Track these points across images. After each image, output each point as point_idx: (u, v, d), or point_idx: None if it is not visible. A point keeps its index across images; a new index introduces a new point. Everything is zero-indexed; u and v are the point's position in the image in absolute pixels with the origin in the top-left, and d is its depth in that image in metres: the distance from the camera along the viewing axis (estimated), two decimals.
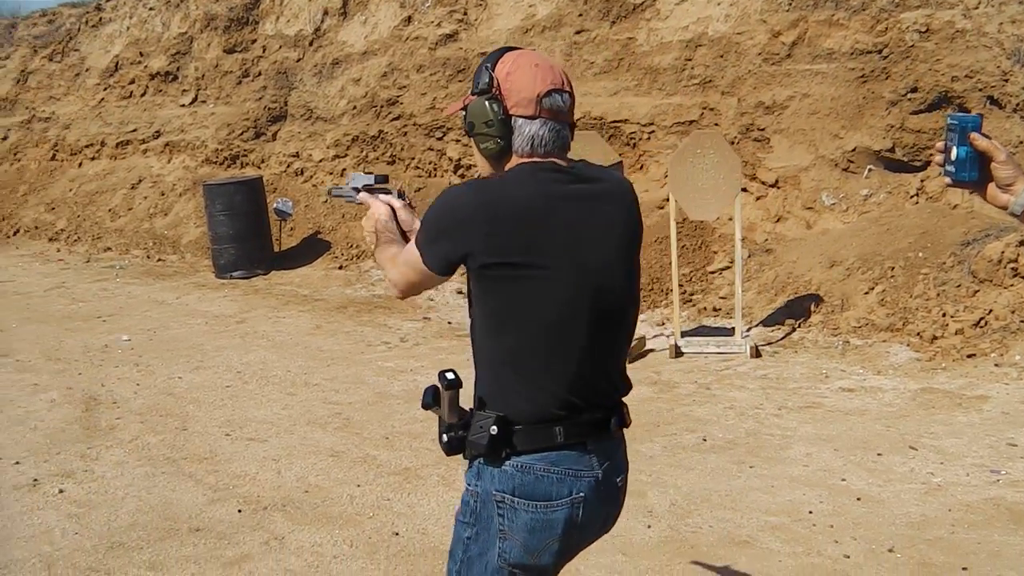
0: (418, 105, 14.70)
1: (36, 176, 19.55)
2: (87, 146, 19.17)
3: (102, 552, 5.41)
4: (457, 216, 2.79)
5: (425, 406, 2.92)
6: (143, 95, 18.96)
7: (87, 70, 20.30)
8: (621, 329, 2.92)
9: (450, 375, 2.87)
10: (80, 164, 19.17)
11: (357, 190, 3.49)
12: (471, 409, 2.87)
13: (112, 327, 11.00)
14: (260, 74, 17.21)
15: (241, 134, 16.73)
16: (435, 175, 14.33)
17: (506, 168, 2.86)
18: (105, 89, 19.68)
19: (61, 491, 6.30)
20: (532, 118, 2.82)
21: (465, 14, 15.00)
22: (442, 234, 2.81)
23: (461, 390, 2.85)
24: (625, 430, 2.99)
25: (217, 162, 16.77)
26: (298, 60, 16.84)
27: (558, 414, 2.78)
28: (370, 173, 3.58)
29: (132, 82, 19.19)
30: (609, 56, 13.19)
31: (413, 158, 14.66)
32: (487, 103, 2.85)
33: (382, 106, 15.17)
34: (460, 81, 14.35)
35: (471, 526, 2.88)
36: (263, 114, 16.65)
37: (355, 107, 15.50)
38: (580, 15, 13.71)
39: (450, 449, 2.88)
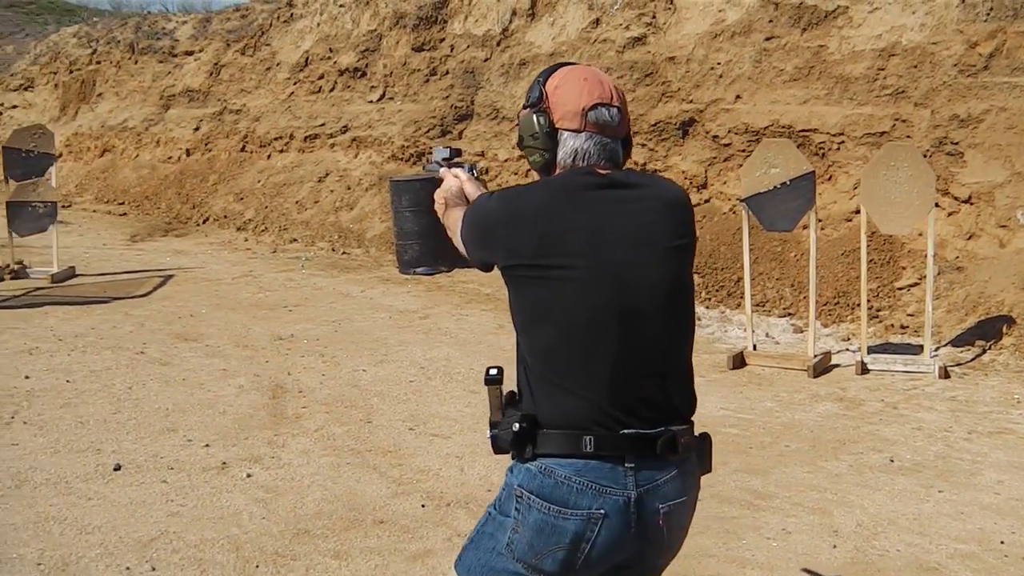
0: None
1: (226, 166, 20.04)
2: (276, 139, 19.58)
3: (288, 538, 5.51)
4: (482, 227, 2.89)
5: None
6: (332, 90, 19.29)
7: (278, 64, 20.74)
8: (660, 339, 2.80)
9: (492, 371, 2.89)
10: (269, 156, 19.59)
11: (439, 164, 3.56)
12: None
13: (298, 317, 11.21)
14: (447, 72, 17.38)
15: (427, 131, 16.92)
16: None
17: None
18: (295, 83, 20.08)
19: (249, 475, 6.43)
20: (577, 132, 2.84)
21: (654, 17, 14.94)
22: (477, 244, 2.92)
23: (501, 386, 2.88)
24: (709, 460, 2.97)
25: (403, 158, 16.99)
26: (485, 60, 16.96)
27: (588, 422, 2.73)
28: (447, 148, 3.64)
29: (321, 77, 19.54)
30: (799, 64, 13.01)
31: None
32: (534, 116, 2.89)
33: None
34: (647, 85, 14.30)
35: (495, 509, 2.91)
36: (449, 112, 16.82)
37: None
38: (770, 21, 13.55)
39: (494, 447, 2.90)
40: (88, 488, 6.14)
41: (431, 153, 3.69)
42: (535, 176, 3.01)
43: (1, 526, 5.55)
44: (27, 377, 8.54)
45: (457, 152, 3.66)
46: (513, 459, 2.87)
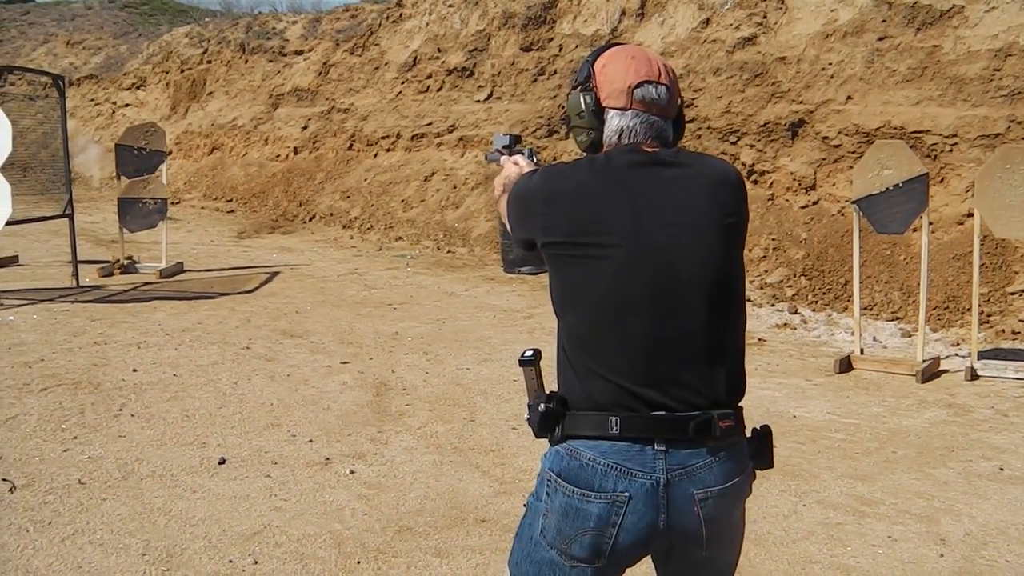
0: (713, 108, 14.58)
1: (333, 165, 20.22)
2: (383, 137, 19.73)
3: (390, 535, 5.52)
4: (524, 203, 2.83)
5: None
6: (439, 90, 19.39)
7: (386, 64, 20.89)
8: (699, 322, 2.69)
9: (527, 353, 2.85)
10: (375, 155, 19.74)
11: (499, 152, 3.55)
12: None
13: (402, 315, 11.26)
14: (556, 72, 17.39)
15: (534, 131, 16.93)
16: None
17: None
18: (403, 83, 20.21)
19: (352, 472, 6.45)
20: (623, 110, 2.78)
21: (764, 17, 14.81)
22: (517, 220, 2.88)
23: (537, 368, 2.84)
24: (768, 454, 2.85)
25: None
26: None
27: (615, 403, 2.65)
28: (507, 135, 3.62)
29: (429, 77, 19.65)
30: (913, 64, 12.80)
31: None
32: (581, 95, 2.84)
33: None
34: (757, 85, 14.17)
35: (532, 496, 2.86)
36: (557, 112, 16.81)
37: None
38: (884, 21, 13.36)
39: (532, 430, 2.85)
40: (193, 481, 6.20)
41: (492, 141, 3.66)
42: None
43: (108, 516, 5.62)
44: (135, 370, 8.66)
45: (517, 139, 3.64)
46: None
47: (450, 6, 20.20)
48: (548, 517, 2.75)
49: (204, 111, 24.74)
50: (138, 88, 27.73)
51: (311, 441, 7.02)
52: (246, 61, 24.59)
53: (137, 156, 13.77)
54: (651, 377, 2.66)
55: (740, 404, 2.79)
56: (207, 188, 22.19)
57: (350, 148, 20.34)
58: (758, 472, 2.87)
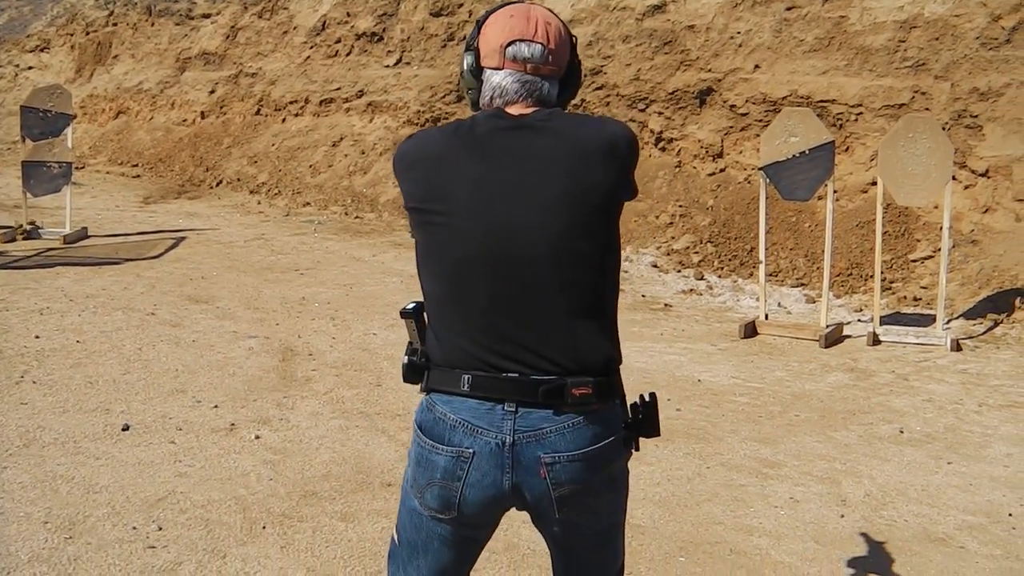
0: (622, 76, 14.62)
1: (240, 130, 20.03)
2: (291, 102, 19.56)
3: (296, 499, 5.50)
4: (394, 167, 2.86)
5: None
6: (348, 55, 19.24)
7: (295, 28, 20.68)
8: (543, 289, 2.69)
9: (409, 305, 2.91)
10: (284, 120, 19.57)
11: None
12: None
13: (309, 280, 11.21)
14: (465, 38, 17.33)
15: (443, 96, 16.88)
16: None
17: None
18: (311, 47, 20.03)
19: (257, 437, 6.42)
20: (498, 69, 2.77)
21: None
22: (397, 182, 2.89)
23: (418, 320, 2.90)
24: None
25: (418, 123, 16.94)
26: None
27: (467, 362, 2.70)
28: None
29: (338, 41, 19.49)
30: (820, 34, 12.92)
31: None
32: (465, 56, 2.86)
33: (585, 75, 15.10)
34: (666, 53, 14.23)
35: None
36: None
37: None
38: None
39: None
40: (96, 448, 6.13)
41: None
42: None
43: (9, 484, 5.54)
44: (37, 337, 8.53)
45: None
46: None
47: None
48: (410, 465, 2.83)
49: (110, 75, 24.33)
50: (42, 51, 27.19)
51: (216, 407, 6.98)
52: (152, 24, 24.19)
53: (43, 119, 13.51)
54: (497, 343, 2.69)
55: (610, 372, 2.78)
56: (112, 153, 21.85)
57: (258, 113, 20.15)
58: (648, 439, 2.88)
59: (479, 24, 2.86)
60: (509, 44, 2.77)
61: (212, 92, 21.34)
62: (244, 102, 20.54)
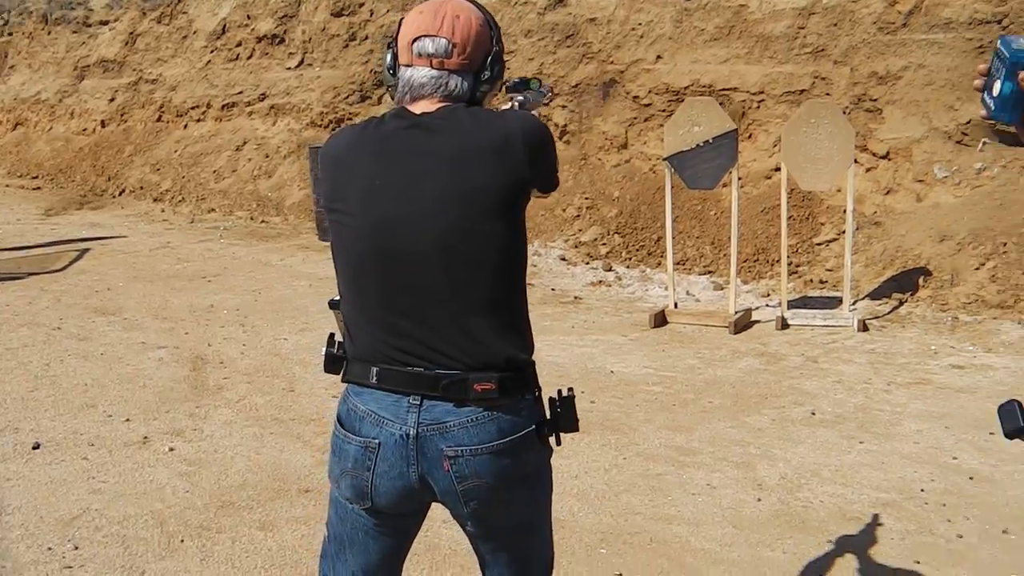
0: (526, 70, 14.61)
1: (142, 137, 19.78)
2: (193, 108, 19.35)
3: (213, 510, 5.46)
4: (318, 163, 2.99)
5: None
6: (249, 58, 19.08)
7: (194, 33, 20.45)
8: (436, 287, 2.71)
9: (336, 297, 2.94)
10: (185, 126, 19.36)
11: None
12: None
13: (217, 287, 11.11)
14: (367, 38, 17.24)
15: (347, 97, 16.80)
16: None
17: None
18: (212, 52, 19.83)
19: (171, 449, 6.36)
20: (408, 65, 2.81)
21: None
22: None
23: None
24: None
25: (322, 125, 16.84)
26: None
27: (374, 356, 2.77)
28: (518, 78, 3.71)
29: (239, 45, 19.31)
30: (720, 23, 13.03)
31: None
32: (385, 53, 2.92)
33: None
34: (568, 47, 14.27)
35: None
36: (369, 78, 16.69)
37: None
38: None
39: None
40: (6, 468, 6.03)
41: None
42: None
43: None
44: None
45: (522, 83, 3.64)
46: None
47: None
48: (328, 452, 2.92)
49: (6, 85, 23.90)
50: None
51: (128, 420, 6.90)
52: (49, 32, 23.79)
53: None
54: (394, 338, 2.74)
55: (518, 368, 2.79)
56: (11, 165, 21.47)
57: (159, 119, 19.90)
58: (568, 434, 2.89)
59: (399, 21, 2.89)
60: (415, 40, 2.79)
61: (112, 100, 21.04)
62: (145, 109, 20.28)
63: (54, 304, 10.33)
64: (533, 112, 3.42)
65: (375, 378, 2.76)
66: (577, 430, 2.90)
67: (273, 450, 6.33)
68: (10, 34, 24.99)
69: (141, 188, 18.26)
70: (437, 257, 2.70)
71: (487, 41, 2.87)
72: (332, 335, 2.94)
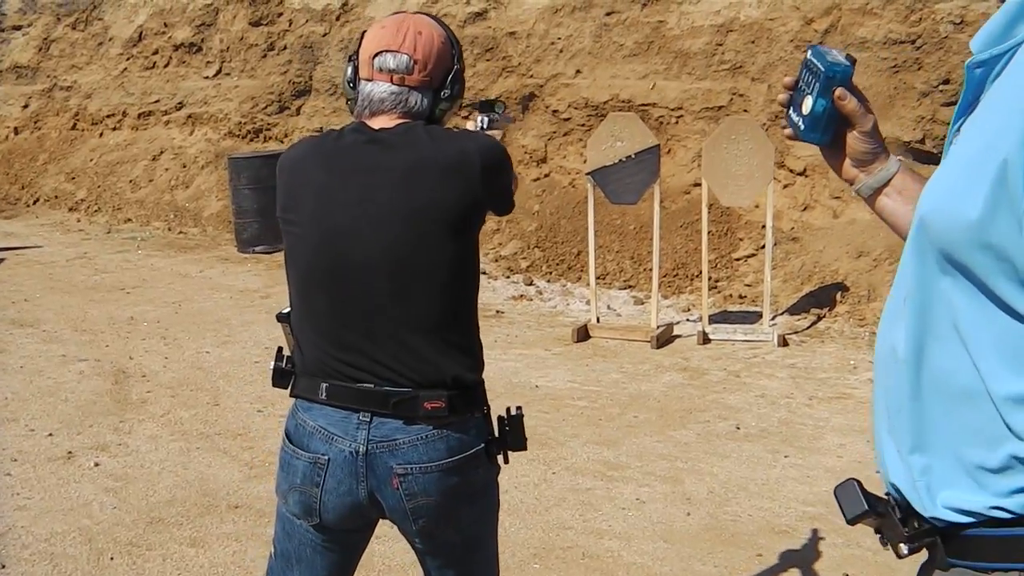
0: None
1: (56, 145, 19.52)
2: (109, 116, 19.14)
3: (142, 527, 5.42)
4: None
5: None
6: (166, 66, 18.90)
7: (110, 39, 20.23)
8: (383, 305, 2.73)
9: (285, 309, 2.95)
10: (101, 134, 19.13)
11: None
12: None
13: (136, 299, 11.00)
14: (286, 48, 17.16)
15: (265, 108, 16.71)
16: None
17: None
18: (128, 59, 19.62)
19: (96, 464, 6.30)
20: (368, 80, 2.84)
21: None
22: None
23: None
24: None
25: (240, 135, 16.75)
26: (324, 35, 16.77)
27: (323, 371, 2.78)
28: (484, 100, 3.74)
29: (156, 52, 19.13)
30: (639, 39, 13.14)
31: None
32: (346, 66, 2.93)
33: None
34: (488, 60, 14.31)
35: None
36: (288, 88, 16.62)
37: None
38: None
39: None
40: None
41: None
42: None
43: None
44: None
45: (488, 105, 3.61)
46: None
47: None
48: (277, 468, 2.91)
49: None
50: None
51: (51, 435, 6.83)
52: None
53: None
54: (343, 353, 2.76)
55: (467, 387, 2.82)
56: None
57: (74, 127, 19.65)
58: (515, 452, 2.93)
59: (361, 35, 2.91)
60: (377, 55, 2.81)
61: (26, 107, 20.75)
62: (60, 116, 20.01)
63: None
64: (494, 133, 3.44)
65: (324, 394, 2.77)
66: (526, 448, 2.94)
67: (200, 465, 6.30)
68: None
69: (56, 197, 18.02)
70: (385, 269, 2.72)
71: (448, 59, 2.89)
72: (280, 349, 2.93)
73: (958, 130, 1.72)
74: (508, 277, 11.87)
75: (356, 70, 2.88)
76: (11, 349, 8.90)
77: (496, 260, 12.29)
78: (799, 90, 2.05)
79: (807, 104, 1.99)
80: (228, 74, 17.82)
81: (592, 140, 9.77)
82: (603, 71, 13.32)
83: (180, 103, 18.15)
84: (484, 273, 11.92)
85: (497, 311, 10.59)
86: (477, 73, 14.22)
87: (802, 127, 2.02)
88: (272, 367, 2.90)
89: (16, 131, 20.44)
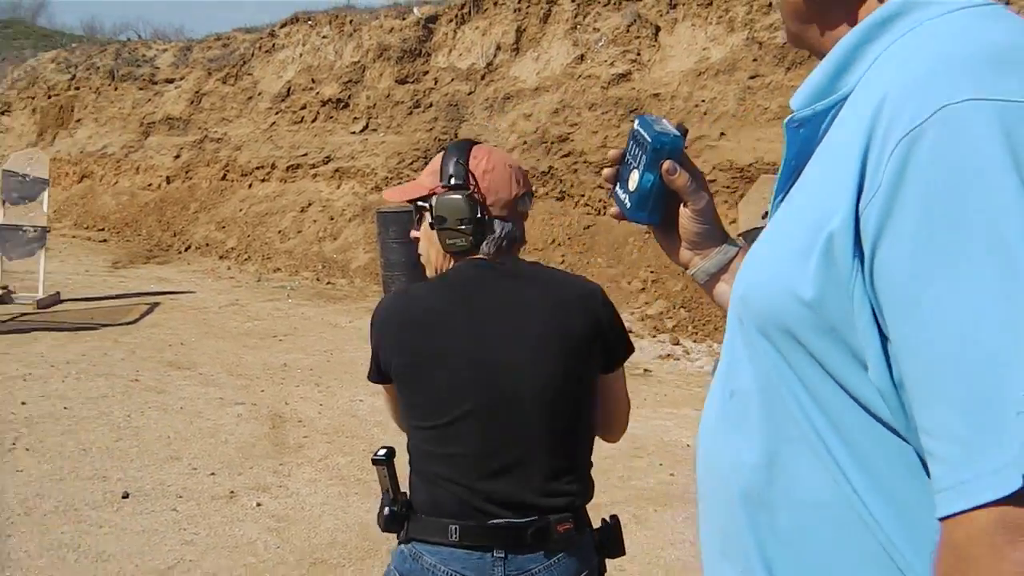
0: (589, 143, 14.83)
1: (207, 195, 20.07)
2: (257, 168, 19.64)
3: (306, 567, 5.55)
4: (375, 327, 2.82)
5: None
6: (314, 121, 19.38)
7: (259, 94, 20.81)
8: (531, 433, 2.72)
9: (380, 452, 2.88)
10: (250, 185, 19.64)
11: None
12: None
13: (289, 346, 11.26)
14: (431, 105, 17.51)
15: (411, 163, 17.02)
16: (603, 213, 14.38)
17: (453, 265, 2.84)
18: (276, 113, 20.15)
19: (259, 504, 6.46)
20: (506, 220, 2.81)
21: (638, 54, 15.11)
22: (373, 346, 2.84)
23: (390, 467, 2.84)
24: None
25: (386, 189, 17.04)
26: (469, 93, 17.08)
27: (455, 511, 2.69)
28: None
29: (303, 107, 19.63)
30: (783, 102, 13.16)
31: (583, 195, 14.77)
32: (466, 201, 2.78)
33: (552, 142, 15.32)
34: (632, 121, 14.43)
35: None
36: (433, 144, 16.91)
37: (525, 142, 15.67)
38: (755, 60, 13.73)
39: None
40: (98, 516, 6.15)
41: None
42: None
43: (15, 553, 5.56)
44: (23, 403, 8.54)
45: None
46: None
47: (324, 37, 20.20)
48: None
49: (73, 138, 24.36)
50: (2, 113, 27.21)
51: (213, 474, 7.01)
52: (116, 88, 24.28)
53: (21, 183, 13.57)
54: (483, 487, 2.70)
55: (579, 507, 2.82)
56: (77, 217, 21.85)
57: (224, 178, 20.21)
58: (612, 560, 2.94)
59: (463, 166, 2.84)
60: (520, 197, 2.84)
61: (177, 157, 21.41)
62: (210, 167, 20.61)
63: (129, 356, 10.50)
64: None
65: (456, 535, 2.69)
66: (624, 554, 2.98)
67: (359, 510, 6.43)
68: (77, 88, 25.50)
69: (207, 245, 18.52)
70: (541, 404, 2.72)
71: None
72: (388, 492, 2.83)
73: (782, 200, 1.49)
74: (655, 336, 11.92)
75: (485, 208, 2.81)
76: (170, 390, 9.17)
77: (642, 319, 12.36)
78: (626, 164, 1.82)
79: (634, 179, 1.78)
80: (374, 130, 18.20)
81: (744, 202, 9.81)
82: (747, 133, 13.37)
83: (327, 157, 18.57)
84: (630, 331, 11.99)
85: (645, 370, 10.64)
86: (622, 133, 14.35)
87: (628, 205, 1.80)
88: (385, 512, 2.78)
89: (168, 180, 21.09)
